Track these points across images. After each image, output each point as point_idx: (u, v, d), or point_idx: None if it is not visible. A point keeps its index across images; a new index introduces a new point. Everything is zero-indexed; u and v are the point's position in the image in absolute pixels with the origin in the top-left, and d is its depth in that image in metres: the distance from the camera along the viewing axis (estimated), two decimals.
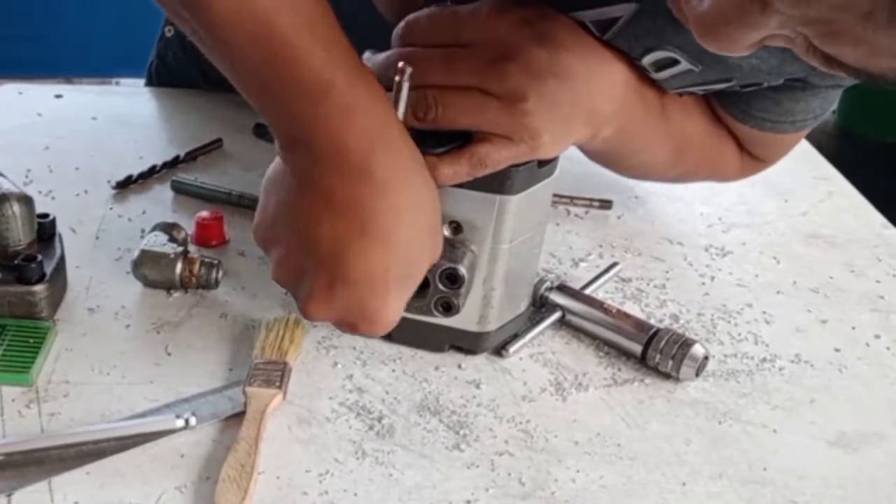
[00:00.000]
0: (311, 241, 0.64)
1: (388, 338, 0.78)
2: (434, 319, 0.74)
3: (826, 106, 0.86)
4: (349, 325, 0.67)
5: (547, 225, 0.79)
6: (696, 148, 0.87)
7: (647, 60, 0.74)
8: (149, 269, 0.80)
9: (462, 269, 0.71)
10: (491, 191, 0.71)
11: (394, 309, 0.66)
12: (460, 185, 0.70)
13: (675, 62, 0.73)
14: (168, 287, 0.81)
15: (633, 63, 0.75)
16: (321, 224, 0.63)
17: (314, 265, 0.64)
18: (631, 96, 0.76)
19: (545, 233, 0.79)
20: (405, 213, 0.64)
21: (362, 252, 0.63)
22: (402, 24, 0.70)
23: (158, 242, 0.82)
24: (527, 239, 0.75)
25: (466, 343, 0.77)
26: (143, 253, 0.81)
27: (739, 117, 0.85)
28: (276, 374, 0.71)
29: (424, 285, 0.72)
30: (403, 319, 0.75)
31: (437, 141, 0.69)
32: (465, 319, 0.75)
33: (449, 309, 0.73)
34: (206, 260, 0.82)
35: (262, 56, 0.60)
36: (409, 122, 0.68)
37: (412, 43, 0.70)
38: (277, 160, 0.67)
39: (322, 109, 0.61)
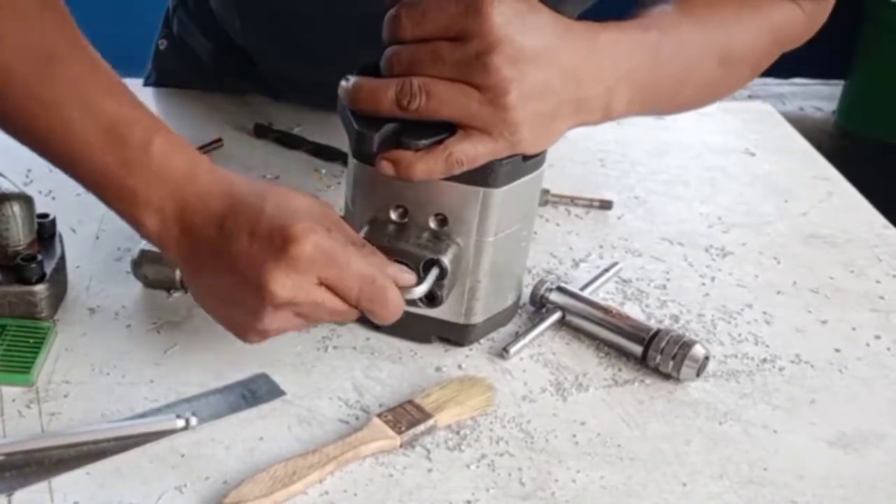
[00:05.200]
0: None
1: (375, 328, 0.78)
2: (421, 311, 0.75)
3: None
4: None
5: (535, 219, 0.79)
6: (742, 42, 0.83)
7: None
8: (149, 269, 0.80)
9: (445, 261, 0.71)
10: (475, 183, 0.71)
11: (310, 243, 0.65)
12: (445, 178, 0.71)
13: None
14: (168, 287, 0.81)
15: (620, 22, 0.75)
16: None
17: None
18: (629, 63, 0.74)
19: (533, 226, 0.79)
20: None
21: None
22: (389, 15, 0.70)
23: None
24: (512, 232, 0.75)
25: (452, 335, 0.77)
26: (143, 253, 0.81)
27: None
28: (410, 423, 0.68)
29: None
30: None
31: (418, 134, 0.69)
32: (451, 311, 0.76)
33: (433, 300, 0.73)
34: None
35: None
36: (392, 112, 0.68)
37: (400, 34, 0.70)
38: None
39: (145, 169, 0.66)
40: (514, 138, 0.70)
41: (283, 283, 0.64)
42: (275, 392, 0.72)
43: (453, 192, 0.72)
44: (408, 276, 0.70)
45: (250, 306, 0.66)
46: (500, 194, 0.72)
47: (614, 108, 0.75)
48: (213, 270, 0.67)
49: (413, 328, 0.77)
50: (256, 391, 0.72)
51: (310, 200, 0.69)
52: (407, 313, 0.75)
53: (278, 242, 0.64)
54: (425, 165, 0.69)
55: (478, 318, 0.77)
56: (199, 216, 0.66)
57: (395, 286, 0.69)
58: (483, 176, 0.71)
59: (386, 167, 0.69)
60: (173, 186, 0.66)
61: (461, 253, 0.73)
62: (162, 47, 1.21)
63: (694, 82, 0.82)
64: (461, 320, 0.77)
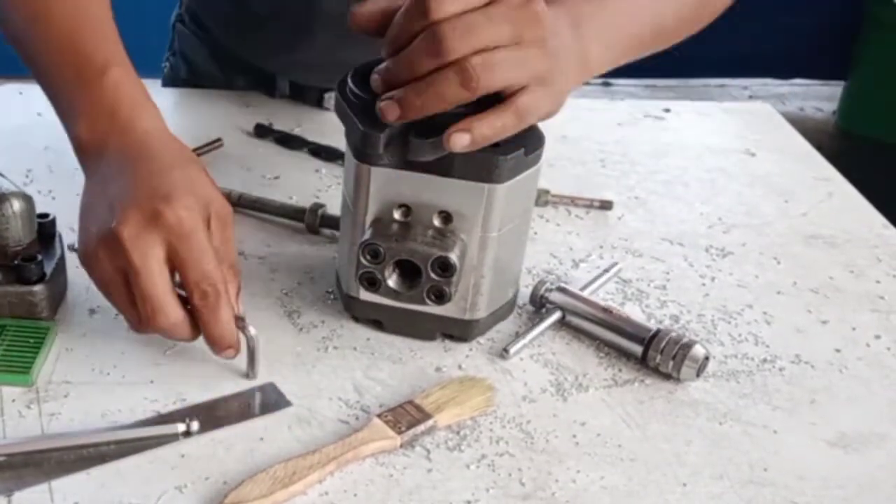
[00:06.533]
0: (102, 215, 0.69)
1: (380, 327, 0.78)
2: (425, 308, 0.75)
3: None
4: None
5: (532, 213, 0.80)
6: (674, 16, 0.88)
7: None
8: None
9: (453, 258, 0.72)
10: (479, 180, 0.71)
11: (184, 211, 0.68)
12: (449, 175, 0.71)
13: None
14: None
15: None
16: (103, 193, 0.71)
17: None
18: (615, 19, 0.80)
19: (530, 220, 0.80)
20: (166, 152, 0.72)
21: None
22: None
23: None
24: (514, 227, 0.76)
25: (457, 331, 0.78)
26: None
27: None
28: (410, 423, 0.68)
29: (417, 274, 0.72)
30: (394, 309, 0.76)
31: (425, 133, 0.69)
32: (455, 307, 0.76)
33: (441, 297, 0.73)
34: None
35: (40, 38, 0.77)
36: (459, 98, 0.67)
37: (438, 12, 0.66)
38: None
39: (96, 88, 0.74)
40: (563, 80, 0.72)
41: (132, 220, 0.67)
42: (281, 402, 0.71)
43: (458, 190, 0.72)
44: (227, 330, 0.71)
45: (103, 225, 0.68)
46: (503, 189, 0.72)
47: (595, 67, 0.79)
48: (101, 184, 0.71)
49: (417, 326, 0.77)
50: (264, 400, 0.71)
51: (217, 195, 0.72)
52: (411, 311, 0.76)
53: (159, 195, 0.68)
54: (499, 121, 0.68)
55: (481, 312, 0.77)
56: (118, 144, 0.72)
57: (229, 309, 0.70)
58: (488, 171, 0.71)
59: (459, 139, 0.68)
60: (111, 113, 0.73)
61: (466, 249, 0.73)
62: (165, 71, 1.24)
63: (637, 48, 0.86)
64: (465, 316, 0.77)
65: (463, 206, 0.73)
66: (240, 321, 0.71)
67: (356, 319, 0.80)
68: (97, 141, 0.72)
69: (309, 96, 1.15)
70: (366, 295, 0.76)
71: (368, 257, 0.72)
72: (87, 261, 0.70)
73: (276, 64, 1.15)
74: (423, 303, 0.74)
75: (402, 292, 0.74)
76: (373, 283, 0.73)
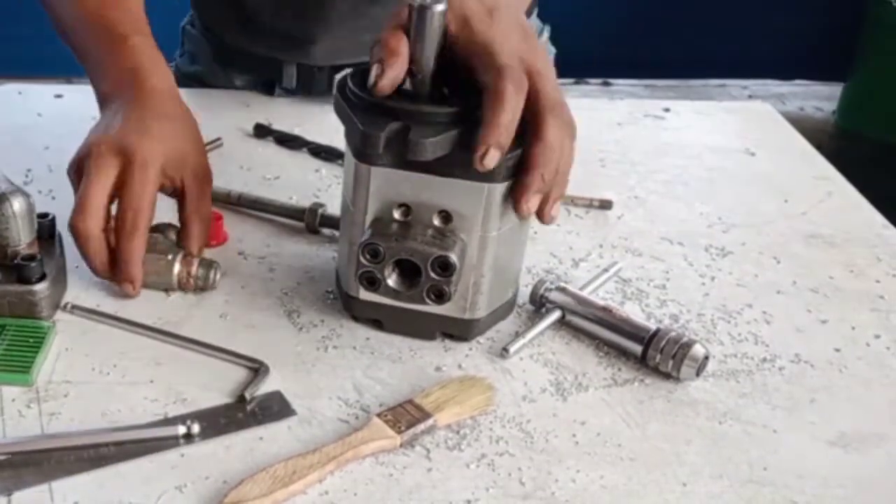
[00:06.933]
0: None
1: (379, 327, 0.78)
2: (425, 308, 0.75)
3: None
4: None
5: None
6: None
7: None
8: (147, 270, 0.80)
9: (453, 257, 0.72)
10: (479, 179, 0.72)
11: (146, 148, 0.81)
12: (448, 175, 0.71)
13: None
14: (166, 287, 0.81)
15: None
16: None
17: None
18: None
19: (531, 220, 0.79)
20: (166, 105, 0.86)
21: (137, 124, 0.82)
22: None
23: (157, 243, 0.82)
24: (514, 226, 0.76)
25: (457, 330, 0.78)
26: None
27: None
28: (410, 422, 0.68)
29: (416, 273, 0.72)
30: (394, 308, 0.76)
31: (424, 132, 0.69)
32: (455, 307, 0.76)
33: (441, 296, 0.73)
34: (204, 260, 0.82)
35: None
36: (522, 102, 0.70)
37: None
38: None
39: (118, 53, 0.88)
40: (531, 37, 0.74)
41: (107, 141, 0.80)
42: (286, 411, 0.70)
43: (457, 189, 0.72)
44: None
45: (91, 139, 0.82)
46: (503, 188, 0.72)
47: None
48: (108, 116, 0.85)
49: (417, 325, 0.77)
50: (270, 408, 0.70)
51: (196, 154, 0.85)
52: (411, 311, 0.76)
53: (138, 131, 0.81)
54: (508, 105, 0.69)
55: (481, 312, 0.77)
56: (130, 94, 0.85)
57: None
58: (488, 171, 0.71)
59: (492, 158, 0.69)
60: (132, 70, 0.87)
61: (465, 249, 0.73)
62: (171, 69, 1.26)
63: None
64: (465, 315, 0.77)
65: (463, 206, 0.73)
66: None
67: (356, 319, 0.80)
68: (116, 93, 0.86)
69: (318, 82, 1.15)
70: (365, 294, 0.76)
71: (368, 257, 0.73)
72: (76, 157, 0.83)
73: (286, 46, 1.15)
74: (422, 302, 0.74)
75: (401, 292, 0.74)
76: (372, 283, 0.74)
